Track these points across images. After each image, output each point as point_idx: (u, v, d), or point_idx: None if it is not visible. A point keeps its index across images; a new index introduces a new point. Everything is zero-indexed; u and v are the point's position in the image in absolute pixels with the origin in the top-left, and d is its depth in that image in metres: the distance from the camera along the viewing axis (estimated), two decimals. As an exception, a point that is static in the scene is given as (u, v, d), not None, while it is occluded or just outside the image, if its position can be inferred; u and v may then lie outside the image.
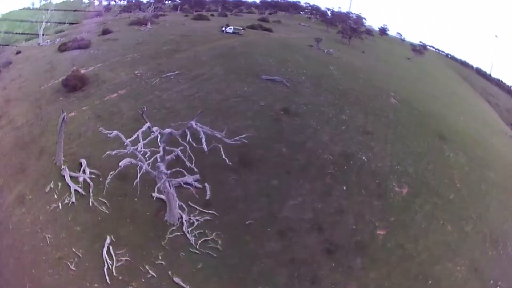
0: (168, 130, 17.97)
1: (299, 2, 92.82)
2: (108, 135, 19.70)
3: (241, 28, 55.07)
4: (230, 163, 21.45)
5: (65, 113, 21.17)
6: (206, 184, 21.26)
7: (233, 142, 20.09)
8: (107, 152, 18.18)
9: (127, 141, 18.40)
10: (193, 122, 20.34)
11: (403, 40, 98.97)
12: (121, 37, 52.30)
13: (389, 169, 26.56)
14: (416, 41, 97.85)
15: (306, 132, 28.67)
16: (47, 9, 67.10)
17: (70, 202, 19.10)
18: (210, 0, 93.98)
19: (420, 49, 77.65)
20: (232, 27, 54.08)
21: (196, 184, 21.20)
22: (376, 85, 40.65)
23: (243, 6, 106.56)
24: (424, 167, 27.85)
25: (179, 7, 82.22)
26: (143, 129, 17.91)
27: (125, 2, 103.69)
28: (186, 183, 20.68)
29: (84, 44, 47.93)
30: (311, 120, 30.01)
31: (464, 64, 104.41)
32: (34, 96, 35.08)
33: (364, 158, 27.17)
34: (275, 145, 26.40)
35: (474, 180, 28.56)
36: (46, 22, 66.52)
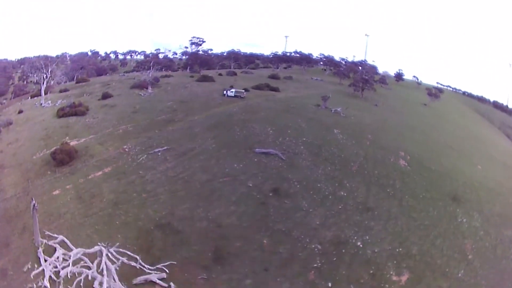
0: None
1: (311, 54, 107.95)
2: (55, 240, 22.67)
3: (243, 91, 59.34)
4: (202, 258, 24.00)
5: (34, 202, 24.62)
6: (172, 284, 23.29)
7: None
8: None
9: (73, 250, 21.51)
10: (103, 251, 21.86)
11: (419, 84, 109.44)
12: (119, 103, 59.26)
13: (388, 254, 27.00)
14: (433, 82, 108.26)
15: (294, 217, 29.95)
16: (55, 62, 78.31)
17: (43, 286, 21.32)
18: (224, 56, 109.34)
19: (436, 93, 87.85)
20: (233, 90, 58.50)
21: (161, 283, 23.23)
22: (384, 146, 42.60)
23: (259, 60, 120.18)
24: (431, 243, 28.19)
25: (188, 66, 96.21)
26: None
27: (142, 57, 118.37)
28: (151, 281, 22.83)
29: (80, 111, 54.85)
30: (303, 201, 31.45)
31: (481, 99, 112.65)
32: (25, 165, 40.11)
33: (359, 243, 27.76)
34: (256, 236, 27.93)
35: (489, 246, 28.96)
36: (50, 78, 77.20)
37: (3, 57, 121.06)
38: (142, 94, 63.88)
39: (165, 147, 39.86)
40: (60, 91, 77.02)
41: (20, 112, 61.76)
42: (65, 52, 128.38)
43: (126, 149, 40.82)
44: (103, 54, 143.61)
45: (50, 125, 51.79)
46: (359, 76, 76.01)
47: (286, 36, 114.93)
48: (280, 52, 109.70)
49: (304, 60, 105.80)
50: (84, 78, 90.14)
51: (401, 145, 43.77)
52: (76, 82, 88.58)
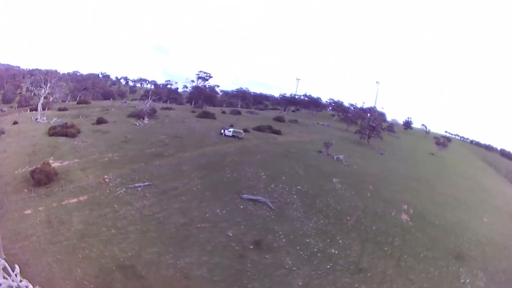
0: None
1: (320, 98, 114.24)
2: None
3: (242, 131, 61.76)
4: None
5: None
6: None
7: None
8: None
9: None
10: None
11: (427, 132, 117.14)
12: (112, 130, 62.56)
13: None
14: (441, 130, 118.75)
15: (274, 275, 29.57)
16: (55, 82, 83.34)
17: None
18: (231, 94, 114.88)
19: (443, 142, 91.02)
20: (232, 129, 61.01)
21: None
22: (386, 198, 43.04)
23: (268, 101, 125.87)
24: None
25: (192, 101, 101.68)
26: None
27: (152, 86, 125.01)
28: None
29: (71, 132, 57.95)
30: (287, 257, 31.27)
31: (488, 148, 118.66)
32: (5, 179, 42.55)
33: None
34: (225, 296, 27.55)
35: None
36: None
37: (16, 64, 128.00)
38: (137, 124, 67.12)
39: (147, 183, 41.36)
40: (59, 110, 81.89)
41: (15, 123, 66.27)
42: (77, 71, 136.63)
43: (107, 180, 42.55)
44: (113, 78, 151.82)
45: (39, 142, 54.94)
46: (366, 123, 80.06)
47: (297, 79, 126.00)
48: (289, 94, 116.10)
49: (312, 103, 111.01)
50: (86, 100, 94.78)
51: (404, 197, 44.30)
52: (78, 103, 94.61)
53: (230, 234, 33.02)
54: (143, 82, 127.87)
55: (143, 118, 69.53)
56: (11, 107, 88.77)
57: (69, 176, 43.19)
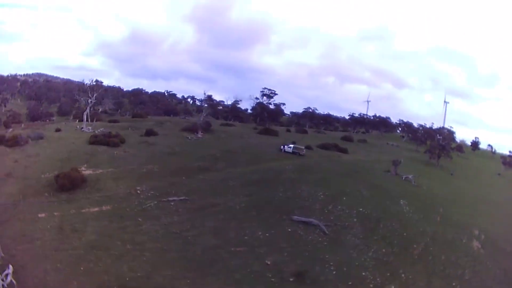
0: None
1: (389, 118, 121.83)
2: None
3: (303, 148, 62.42)
4: None
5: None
6: None
7: None
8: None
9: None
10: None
11: (494, 153, 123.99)
12: (160, 142, 64.52)
13: None
14: (505, 150, 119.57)
15: None
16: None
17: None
18: (298, 114, 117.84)
19: (510, 161, 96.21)
20: (292, 145, 61.87)
21: None
22: (457, 223, 40.99)
23: (338, 123, 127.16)
24: None
25: (257, 118, 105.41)
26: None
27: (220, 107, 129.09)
28: None
29: (114, 142, 60.22)
30: None
31: None
32: (30, 181, 44.16)
33: None
34: None
35: None
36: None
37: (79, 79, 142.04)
38: (189, 138, 69.39)
39: (183, 197, 40.11)
40: (109, 121, 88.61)
41: (58, 130, 71.99)
42: (141, 88, 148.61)
43: (138, 191, 42.08)
44: (180, 97, 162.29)
45: (77, 149, 58.10)
46: (436, 143, 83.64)
47: (368, 101, 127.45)
48: (357, 114, 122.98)
49: (381, 124, 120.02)
50: (141, 114, 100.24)
51: (475, 221, 42.70)
52: (132, 117, 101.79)
53: (269, 262, 29.59)
54: (210, 102, 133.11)
55: (197, 132, 71.95)
56: (67, 119, 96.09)
57: (98, 185, 43.64)
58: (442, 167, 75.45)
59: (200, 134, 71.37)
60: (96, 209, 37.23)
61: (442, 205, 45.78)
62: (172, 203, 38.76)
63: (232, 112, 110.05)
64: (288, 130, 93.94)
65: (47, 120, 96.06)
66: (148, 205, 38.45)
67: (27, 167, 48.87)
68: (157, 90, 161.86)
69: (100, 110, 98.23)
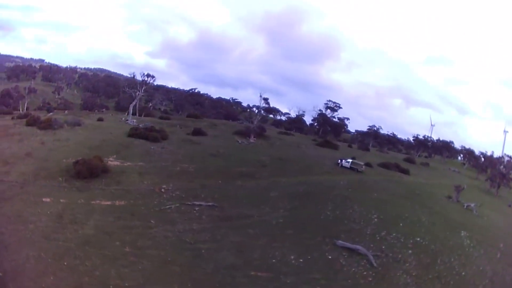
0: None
1: (452, 142, 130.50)
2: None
3: (362, 164, 62.38)
4: None
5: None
6: None
7: None
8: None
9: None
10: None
11: None
12: (205, 142, 64.71)
13: None
14: None
15: None
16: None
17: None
18: (362, 132, 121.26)
19: None
20: (350, 160, 61.85)
21: None
22: None
23: (402, 146, 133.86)
24: None
25: (319, 130, 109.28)
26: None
27: (284, 118, 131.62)
28: None
29: (153, 136, 60.90)
30: None
31: None
32: (48, 164, 45.81)
33: None
34: None
35: None
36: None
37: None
38: (240, 142, 69.81)
39: (211, 203, 37.99)
40: (160, 118, 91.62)
41: (100, 120, 75.56)
42: (198, 90, 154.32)
43: (162, 190, 40.96)
44: (245, 105, 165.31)
45: (112, 139, 59.74)
46: (497, 171, 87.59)
47: (432, 125, 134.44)
48: (421, 136, 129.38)
49: (445, 148, 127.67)
50: (196, 114, 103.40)
51: None
52: (187, 116, 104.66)
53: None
54: (275, 113, 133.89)
55: (249, 136, 71.71)
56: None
57: (120, 177, 43.73)
58: (501, 197, 77.18)
59: (252, 139, 72.26)
60: (107, 202, 36.79)
61: (502, 239, 44.31)
62: (197, 208, 36.61)
63: (295, 123, 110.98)
64: (350, 146, 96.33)
65: (96, 111, 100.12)
66: (168, 206, 36.76)
67: (52, 150, 51.26)
68: (223, 97, 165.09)
69: (150, 105, 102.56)
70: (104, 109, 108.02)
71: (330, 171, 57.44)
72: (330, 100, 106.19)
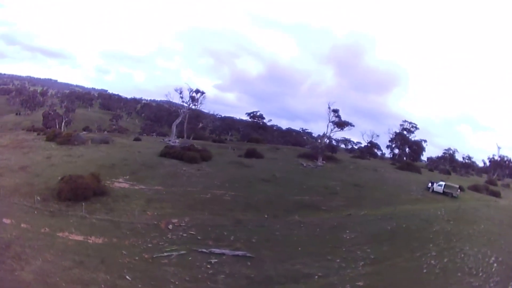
0: None
1: None
2: None
3: (457, 186, 55.23)
4: None
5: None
6: None
7: None
8: None
9: None
10: None
11: None
12: (258, 165, 53.25)
13: None
14: None
15: None
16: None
17: None
18: (440, 157, 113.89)
19: None
20: (443, 183, 54.95)
21: None
22: None
23: (473, 170, 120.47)
24: None
25: (396, 152, 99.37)
26: None
27: (355, 147, 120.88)
28: None
29: (191, 157, 50.23)
30: None
31: None
32: (38, 179, 38.31)
33: None
34: None
35: None
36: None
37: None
38: (305, 165, 58.48)
39: (241, 252, 23.80)
40: (214, 141, 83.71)
41: (137, 139, 68.09)
42: (275, 125, 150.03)
43: (170, 226, 28.43)
44: (315, 135, 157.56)
45: (135, 157, 50.41)
46: None
47: (499, 147, 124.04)
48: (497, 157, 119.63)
49: None
50: (258, 138, 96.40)
51: None
52: (247, 141, 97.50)
53: None
54: (348, 143, 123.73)
55: (316, 159, 61.31)
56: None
57: (117, 203, 33.11)
58: None
59: (320, 162, 60.71)
60: (78, 237, 26.25)
61: None
62: (214, 260, 22.38)
63: (368, 149, 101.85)
64: (431, 170, 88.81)
65: (149, 135, 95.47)
66: (167, 253, 23.26)
67: (53, 166, 43.57)
68: (292, 128, 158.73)
69: (200, 125, 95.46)
70: (154, 134, 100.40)
71: (420, 198, 48.58)
72: (405, 121, 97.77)
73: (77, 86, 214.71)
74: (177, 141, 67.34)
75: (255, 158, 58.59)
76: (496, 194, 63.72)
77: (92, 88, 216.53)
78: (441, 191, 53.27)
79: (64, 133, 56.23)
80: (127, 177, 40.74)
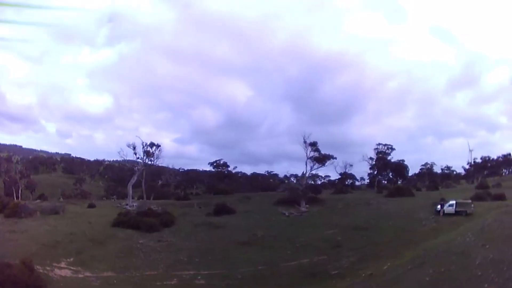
0: None
1: (509, 154, 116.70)
2: None
3: (470, 201, 52.37)
4: None
5: None
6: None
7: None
8: None
9: None
10: None
11: None
12: (232, 223, 48.13)
13: None
14: None
15: None
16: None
17: None
18: (412, 177, 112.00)
19: None
20: (453, 202, 51.36)
21: None
22: None
23: (449, 179, 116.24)
24: None
25: (375, 183, 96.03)
26: None
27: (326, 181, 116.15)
28: None
29: (149, 224, 44.48)
30: None
31: None
32: None
33: None
34: None
35: None
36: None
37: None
38: (287, 214, 53.02)
39: None
40: (177, 198, 76.98)
41: (91, 206, 61.77)
42: (240, 171, 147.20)
43: None
44: (281, 176, 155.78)
45: (86, 231, 42.85)
46: None
47: (471, 150, 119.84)
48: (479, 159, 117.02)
49: (505, 163, 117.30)
50: (225, 189, 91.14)
51: None
52: (214, 194, 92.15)
53: None
54: (317, 178, 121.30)
55: (299, 205, 55.35)
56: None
57: None
58: None
59: (303, 207, 55.15)
60: None
61: None
62: None
63: (342, 181, 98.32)
64: (418, 189, 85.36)
65: (109, 198, 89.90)
66: None
67: None
68: (257, 172, 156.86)
69: (160, 183, 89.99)
70: (114, 197, 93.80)
71: (436, 226, 43.56)
72: (379, 143, 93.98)
73: (41, 151, 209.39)
74: (135, 204, 60.29)
75: (227, 215, 52.39)
76: (502, 197, 60.27)
77: (56, 152, 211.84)
78: (453, 211, 49.38)
79: (11, 204, 49.15)
80: (71, 259, 32.86)
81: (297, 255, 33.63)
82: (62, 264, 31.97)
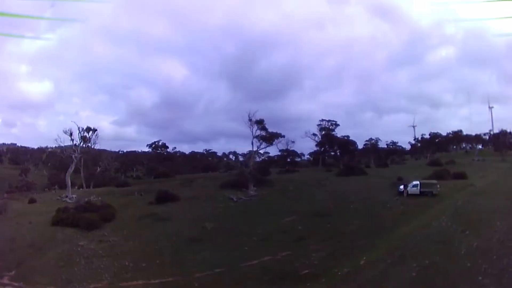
0: None
1: (460, 131, 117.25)
2: None
3: (436, 182, 51.66)
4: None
5: None
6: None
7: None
8: None
9: None
10: None
11: None
12: (178, 214, 45.06)
13: None
14: None
15: None
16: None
17: None
18: (358, 152, 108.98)
19: None
20: (418, 182, 50.80)
21: None
22: None
23: (395, 155, 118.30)
24: None
25: (320, 160, 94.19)
26: None
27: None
28: None
29: (89, 221, 41.71)
30: None
31: None
32: None
33: None
34: None
35: None
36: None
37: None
38: (235, 199, 50.36)
39: None
40: (117, 185, 73.12)
41: (32, 202, 57.94)
42: (178, 151, 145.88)
43: None
44: (220, 154, 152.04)
45: (26, 235, 39.56)
46: None
47: (414, 126, 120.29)
48: (427, 135, 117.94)
49: (455, 139, 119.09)
50: (166, 172, 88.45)
51: None
52: (154, 177, 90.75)
53: None
54: (256, 156, 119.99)
55: (246, 188, 53.14)
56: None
57: None
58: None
59: (252, 190, 52.93)
60: None
61: None
62: None
63: (288, 157, 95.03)
64: (367, 166, 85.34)
65: (51, 189, 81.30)
66: None
67: None
68: (195, 151, 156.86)
69: (98, 170, 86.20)
70: (56, 187, 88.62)
71: (403, 209, 42.29)
72: (323, 119, 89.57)
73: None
74: (74, 196, 56.43)
75: (170, 202, 49.01)
76: (463, 176, 61.02)
77: (2, 143, 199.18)
78: (418, 192, 49.09)
79: None
80: (13, 272, 29.81)
81: (257, 252, 30.60)
82: (5, 280, 29.18)
